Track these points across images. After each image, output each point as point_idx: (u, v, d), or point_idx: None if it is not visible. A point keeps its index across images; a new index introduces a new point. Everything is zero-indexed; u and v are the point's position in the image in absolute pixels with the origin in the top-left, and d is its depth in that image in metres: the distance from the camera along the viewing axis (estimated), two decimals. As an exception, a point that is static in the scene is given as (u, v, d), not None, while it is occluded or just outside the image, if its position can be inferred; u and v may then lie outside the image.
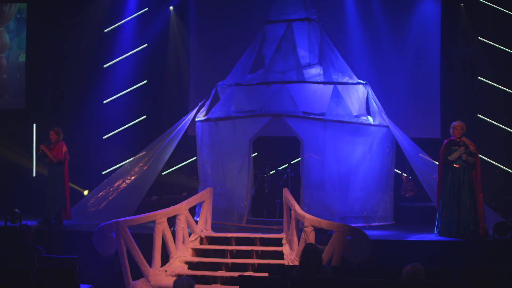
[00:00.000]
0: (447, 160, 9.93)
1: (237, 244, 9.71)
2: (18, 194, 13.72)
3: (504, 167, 13.92)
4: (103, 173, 14.38)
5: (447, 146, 9.99)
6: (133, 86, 15.27)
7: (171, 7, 15.35)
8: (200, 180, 12.19)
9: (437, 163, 10.31)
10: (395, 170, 12.25)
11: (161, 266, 8.97)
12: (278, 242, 9.58)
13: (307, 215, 8.77)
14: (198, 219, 10.39)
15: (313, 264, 6.35)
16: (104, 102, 15.15)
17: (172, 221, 9.35)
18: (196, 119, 12.27)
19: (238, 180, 11.38)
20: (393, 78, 14.48)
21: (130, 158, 12.82)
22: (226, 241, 9.84)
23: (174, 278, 8.32)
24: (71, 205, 11.25)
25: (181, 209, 9.39)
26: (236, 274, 8.32)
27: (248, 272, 8.99)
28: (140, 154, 12.19)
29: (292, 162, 13.48)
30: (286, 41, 11.92)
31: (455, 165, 9.89)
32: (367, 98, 11.94)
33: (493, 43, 14.21)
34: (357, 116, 11.55)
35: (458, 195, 9.80)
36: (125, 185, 11.84)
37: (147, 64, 15.30)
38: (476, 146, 10.00)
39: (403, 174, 13.48)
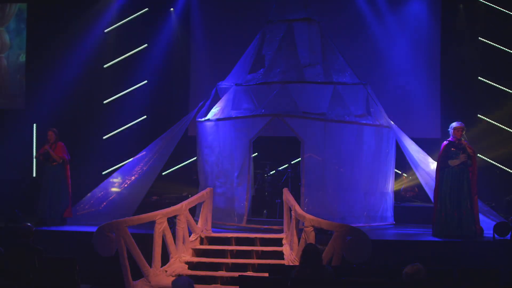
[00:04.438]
0: (446, 163, 9.92)
1: (237, 244, 9.71)
2: (18, 194, 13.71)
3: (504, 167, 13.91)
4: (103, 173, 14.38)
5: (446, 148, 9.97)
6: (133, 86, 15.28)
7: (172, 9, 15.35)
8: (200, 180, 12.19)
9: (436, 163, 10.31)
10: (395, 170, 12.24)
11: (161, 266, 8.97)
12: (278, 242, 9.58)
13: (307, 215, 8.77)
14: (198, 219, 10.39)
15: (313, 264, 6.35)
16: (104, 102, 15.16)
17: (172, 221, 9.35)
18: (197, 119, 12.27)
19: (238, 180, 11.38)
20: (393, 78, 14.48)
21: (130, 158, 12.82)
22: (226, 241, 9.84)
23: (174, 278, 8.31)
24: (71, 205, 11.31)
25: (181, 209, 9.39)
26: (236, 274, 8.33)
27: (248, 272, 9.00)
28: (140, 154, 12.19)
29: (292, 162, 13.47)
30: (287, 41, 11.92)
31: (454, 166, 9.89)
32: (367, 98, 11.94)
33: (493, 43, 14.21)
34: (357, 116, 11.54)
35: (457, 196, 9.79)
36: (125, 185, 11.84)
37: (147, 65, 15.30)
38: (474, 148, 10.00)
39: (403, 174, 13.47)
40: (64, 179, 11.16)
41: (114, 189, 11.88)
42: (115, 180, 12.08)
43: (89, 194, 12.07)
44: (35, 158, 11.46)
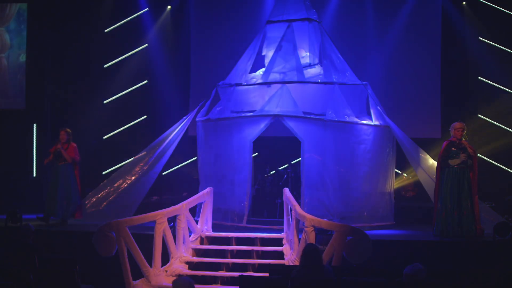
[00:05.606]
0: (446, 162, 9.93)
1: (237, 244, 9.71)
2: (18, 194, 13.72)
3: (504, 167, 13.92)
4: (103, 173, 14.39)
5: (447, 148, 9.98)
6: (133, 86, 15.28)
7: (169, 7, 15.38)
8: (200, 180, 12.20)
9: (436, 162, 10.31)
10: (395, 170, 12.24)
11: (162, 266, 8.96)
12: (279, 242, 9.58)
13: (308, 215, 8.76)
14: (198, 219, 10.39)
15: (314, 264, 6.35)
16: (104, 102, 15.16)
17: (172, 221, 9.35)
18: (197, 119, 12.27)
19: (238, 180, 11.38)
20: (393, 78, 14.49)
21: (130, 158, 12.83)
22: (227, 241, 9.85)
23: (175, 278, 8.31)
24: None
25: (182, 209, 9.39)
26: (236, 274, 8.33)
27: (248, 272, 8.99)
28: (140, 154, 12.20)
29: (292, 162, 13.48)
30: (287, 41, 11.92)
31: (455, 166, 9.89)
32: (367, 98, 11.94)
33: (493, 43, 14.21)
34: (357, 116, 11.54)
35: (458, 196, 9.80)
36: (125, 185, 11.85)
37: (147, 65, 15.32)
38: (474, 148, 10.01)
39: (403, 174, 13.48)
40: (74, 179, 11.21)
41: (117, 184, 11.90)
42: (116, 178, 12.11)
43: (90, 193, 12.08)
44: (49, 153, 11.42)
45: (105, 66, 15.19)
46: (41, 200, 11.56)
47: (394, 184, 12.08)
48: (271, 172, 13.14)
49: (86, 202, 11.80)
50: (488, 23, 14.28)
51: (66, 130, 11.30)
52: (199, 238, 9.91)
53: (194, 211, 11.10)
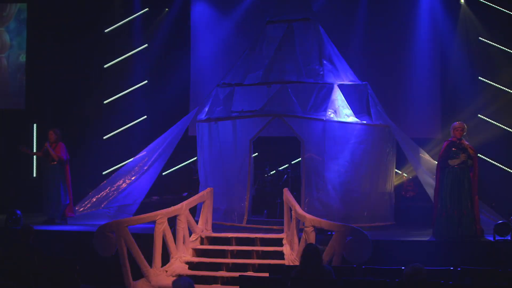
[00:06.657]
0: (446, 162, 9.93)
1: (237, 244, 9.71)
2: (18, 194, 13.72)
3: (504, 167, 13.91)
4: (103, 173, 14.38)
5: (447, 148, 9.97)
6: (133, 86, 15.28)
7: (166, 9, 15.38)
8: (200, 180, 12.19)
9: (436, 162, 10.31)
10: (395, 170, 12.23)
11: (162, 266, 8.97)
12: (279, 242, 9.58)
13: (308, 215, 8.77)
14: (198, 219, 10.39)
15: (314, 264, 6.36)
16: (104, 102, 15.16)
17: (172, 221, 9.35)
18: (197, 119, 12.27)
19: (238, 180, 11.38)
20: (393, 78, 14.48)
21: (130, 158, 12.83)
22: (227, 241, 9.85)
23: (175, 278, 8.31)
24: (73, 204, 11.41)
25: (182, 209, 9.39)
26: (236, 274, 8.33)
27: (248, 272, 8.99)
28: (140, 154, 12.20)
29: (292, 162, 13.47)
30: (287, 41, 11.92)
31: (455, 166, 9.89)
32: (367, 98, 11.93)
33: (493, 43, 14.21)
34: (357, 116, 11.54)
35: (458, 196, 9.79)
36: (125, 185, 11.85)
37: (147, 64, 15.31)
38: (475, 148, 10.01)
39: (403, 174, 13.46)
40: (63, 178, 11.26)
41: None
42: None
43: (90, 193, 12.09)
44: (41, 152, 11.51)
45: (105, 66, 15.19)
46: (41, 200, 11.58)
47: (394, 183, 12.09)
48: (271, 172, 13.13)
49: (86, 202, 11.83)
50: (488, 23, 14.26)
51: (54, 130, 11.42)
52: (199, 238, 9.91)
53: (194, 211, 11.10)
